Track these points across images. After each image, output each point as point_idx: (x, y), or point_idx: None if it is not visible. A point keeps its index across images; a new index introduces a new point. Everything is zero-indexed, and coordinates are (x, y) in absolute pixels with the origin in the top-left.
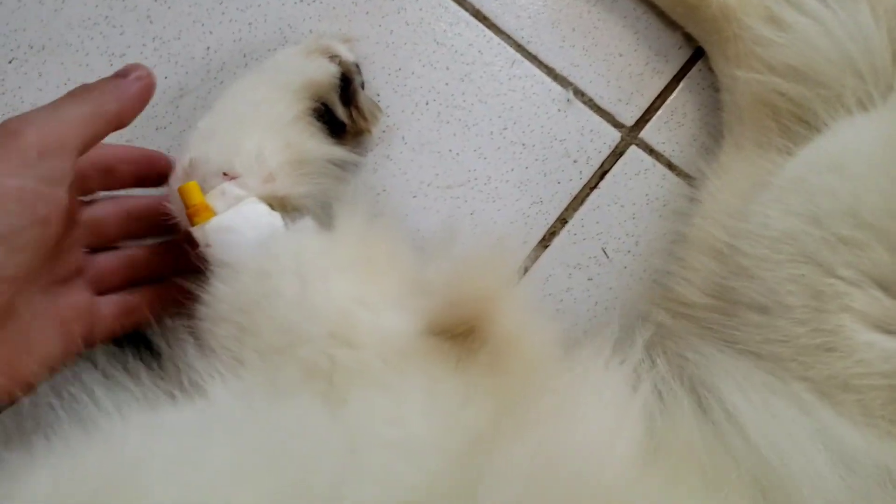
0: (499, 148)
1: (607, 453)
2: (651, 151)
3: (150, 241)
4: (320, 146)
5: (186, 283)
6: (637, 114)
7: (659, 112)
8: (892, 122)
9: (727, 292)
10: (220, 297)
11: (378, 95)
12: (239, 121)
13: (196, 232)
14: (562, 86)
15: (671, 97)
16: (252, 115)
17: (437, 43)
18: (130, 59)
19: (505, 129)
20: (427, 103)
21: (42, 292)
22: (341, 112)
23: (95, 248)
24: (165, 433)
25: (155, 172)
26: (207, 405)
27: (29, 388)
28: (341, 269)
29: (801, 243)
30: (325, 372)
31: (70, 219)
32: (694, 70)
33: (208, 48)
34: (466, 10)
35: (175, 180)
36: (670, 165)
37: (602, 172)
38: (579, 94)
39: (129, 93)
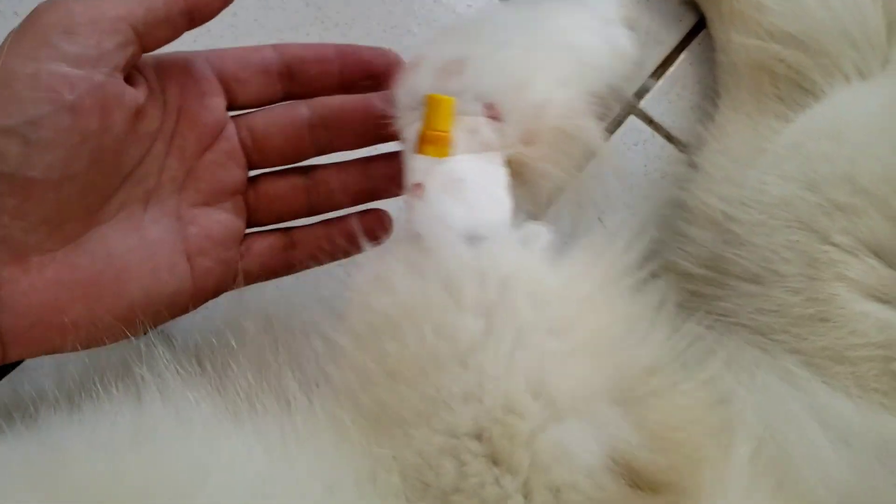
0: None
1: None
2: (650, 122)
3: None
4: (597, 134)
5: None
6: (637, 84)
7: (659, 83)
8: (891, 91)
9: (721, 262)
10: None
11: None
12: (542, 52)
13: (417, 162)
14: None
15: (671, 68)
16: (558, 58)
17: (435, 1)
18: None
19: None
20: None
21: (158, 213)
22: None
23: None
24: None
25: (366, 73)
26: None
27: (130, 330)
28: (554, 334)
29: (797, 209)
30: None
31: (163, 114)
32: (694, 43)
33: None
34: None
35: (423, 78)
36: (669, 137)
37: None
38: None
39: None
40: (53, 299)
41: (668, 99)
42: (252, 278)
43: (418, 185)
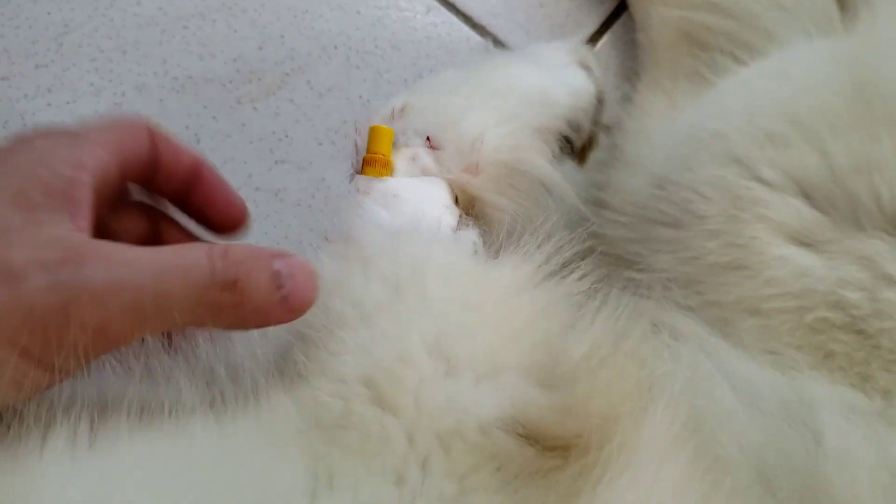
0: None
1: None
2: None
3: None
4: (545, 166)
5: None
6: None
7: None
8: (846, 46)
9: (644, 212)
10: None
11: (282, 37)
12: (482, 96)
13: (359, 181)
14: (480, 35)
15: (594, 50)
16: (498, 100)
17: None
18: None
19: (420, 77)
20: (335, 47)
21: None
22: (581, 136)
23: None
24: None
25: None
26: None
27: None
28: (464, 307)
29: (730, 142)
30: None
31: None
32: (617, 24)
33: None
34: None
35: (375, 117)
36: None
37: None
38: (499, 44)
39: None
40: None
41: None
42: None
43: (358, 199)
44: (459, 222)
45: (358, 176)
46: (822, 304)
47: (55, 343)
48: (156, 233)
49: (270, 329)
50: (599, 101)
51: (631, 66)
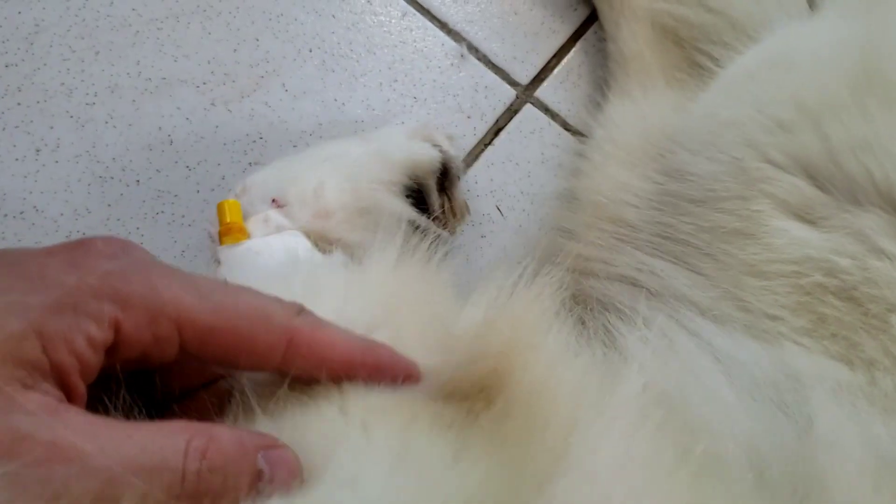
0: (388, 100)
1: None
2: (546, 110)
3: None
4: (392, 199)
5: None
6: (532, 72)
7: (555, 72)
8: (842, 27)
9: (667, 197)
10: None
11: (257, 40)
12: (316, 160)
13: (220, 252)
14: (455, 41)
15: (567, 57)
16: (332, 162)
17: None
18: None
19: (395, 81)
20: (311, 50)
21: None
22: (435, 199)
23: None
24: None
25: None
26: None
27: None
28: (354, 307)
29: (744, 128)
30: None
31: None
32: (589, 32)
33: None
34: None
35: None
36: (566, 125)
37: (497, 129)
38: (473, 49)
39: None
40: None
41: (565, 87)
42: None
43: (221, 266)
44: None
45: (219, 249)
46: (817, 269)
47: None
48: None
49: None
50: (445, 171)
51: (601, 75)
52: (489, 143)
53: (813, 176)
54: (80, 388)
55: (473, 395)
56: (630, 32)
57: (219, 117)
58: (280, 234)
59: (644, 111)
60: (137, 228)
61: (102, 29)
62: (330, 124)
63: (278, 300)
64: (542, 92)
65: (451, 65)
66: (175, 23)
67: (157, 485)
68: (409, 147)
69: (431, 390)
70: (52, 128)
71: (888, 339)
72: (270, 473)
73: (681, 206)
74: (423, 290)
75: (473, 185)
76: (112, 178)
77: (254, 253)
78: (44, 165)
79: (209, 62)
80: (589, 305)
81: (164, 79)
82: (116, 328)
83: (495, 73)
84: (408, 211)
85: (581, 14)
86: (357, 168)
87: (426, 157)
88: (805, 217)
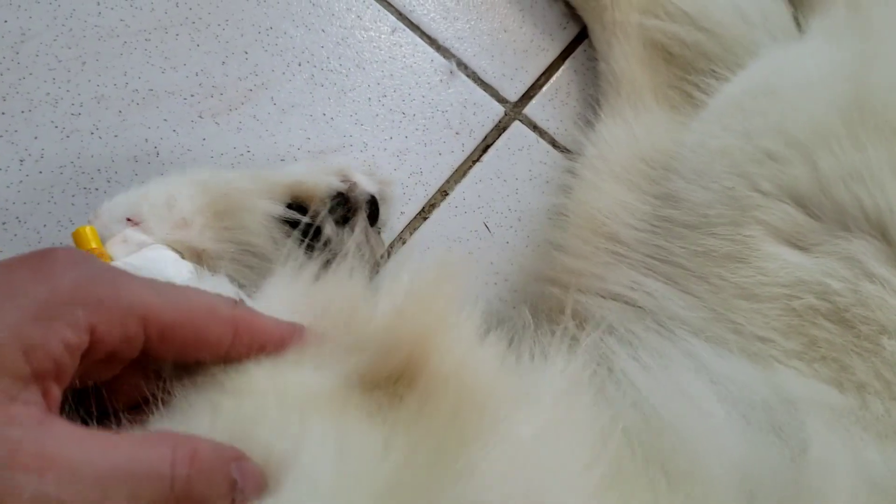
0: (377, 115)
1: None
2: (535, 128)
3: None
4: (252, 200)
5: None
6: (521, 90)
7: (543, 89)
8: (824, 54)
9: (661, 221)
10: None
11: (246, 53)
12: (163, 181)
13: None
14: (444, 57)
15: (556, 75)
16: (195, 177)
17: (313, 4)
18: None
19: (384, 96)
20: (300, 64)
21: None
22: (330, 227)
23: None
24: None
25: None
26: None
27: None
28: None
29: (734, 158)
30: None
31: None
32: (578, 51)
33: None
34: None
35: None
36: (554, 143)
37: (485, 146)
38: (462, 66)
39: None
40: None
41: (553, 105)
42: None
43: None
44: (201, 270)
45: None
46: (809, 292)
47: None
48: None
49: None
50: (345, 201)
51: (592, 93)
52: (477, 160)
53: (803, 204)
54: (58, 394)
55: (395, 380)
56: (622, 52)
57: (206, 130)
58: (142, 252)
59: (636, 132)
60: None
61: (90, 39)
62: (318, 138)
63: (218, 295)
64: (530, 109)
65: (440, 81)
66: (163, 34)
67: (147, 491)
68: (298, 172)
69: (356, 380)
70: (36, 138)
71: (879, 361)
72: (242, 483)
73: (674, 230)
74: (328, 293)
75: (461, 201)
76: (97, 189)
77: None
78: (27, 175)
79: (197, 74)
80: (581, 322)
81: (152, 90)
82: (91, 331)
83: (484, 90)
84: (276, 209)
85: (570, 32)
86: (217, 178)
87: (315, 183)
88: (797, 243)
